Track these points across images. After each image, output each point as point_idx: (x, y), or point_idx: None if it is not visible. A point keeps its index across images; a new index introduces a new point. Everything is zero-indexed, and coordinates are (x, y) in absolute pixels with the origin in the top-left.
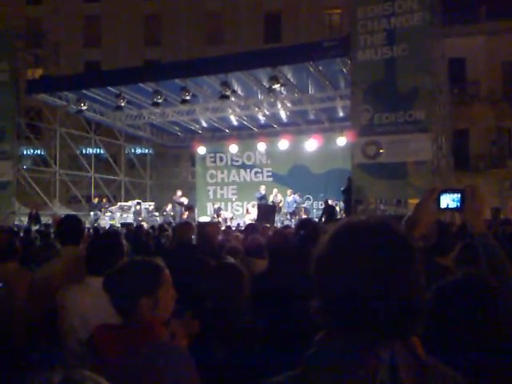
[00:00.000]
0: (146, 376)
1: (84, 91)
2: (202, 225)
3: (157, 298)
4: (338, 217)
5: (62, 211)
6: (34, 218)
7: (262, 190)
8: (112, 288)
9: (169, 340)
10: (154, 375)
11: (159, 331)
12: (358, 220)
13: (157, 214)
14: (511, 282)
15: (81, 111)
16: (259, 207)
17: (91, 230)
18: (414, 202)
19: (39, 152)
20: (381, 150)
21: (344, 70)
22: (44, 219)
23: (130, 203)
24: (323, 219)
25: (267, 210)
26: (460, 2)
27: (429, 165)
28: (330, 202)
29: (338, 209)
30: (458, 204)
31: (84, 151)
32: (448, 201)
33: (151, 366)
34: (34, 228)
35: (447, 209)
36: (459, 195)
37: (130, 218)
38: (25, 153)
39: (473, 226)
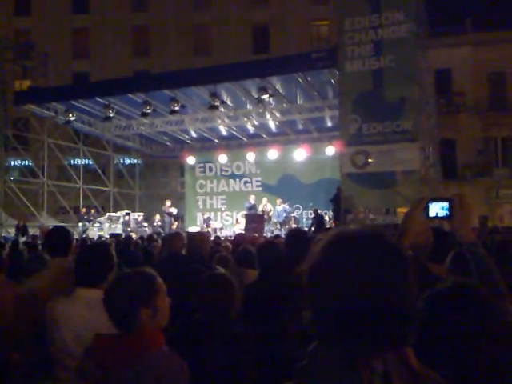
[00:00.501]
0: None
1: (72, 102)
2: (191, 235)
3: (155, 306)
4: (328, 226)
5: (50, 222)
6: (22, 230)
7: (252, 199)
8: (110, 303)
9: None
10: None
11: (160, 340)
12: (350, 230)
13: (146, 224)
14: (500, 291)
15: (69, 122)
16: (247, 217)
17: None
18: (402, 210)
19: (27, 163)
20: (369, 160)
21: (332, 80)
22: (32, 231)
23: (118, 214)
24: (313, 229)
25: (255, 220)
26: (446, 14)
27: (417, 174)
28: (319, 211)
29: (327, 218)
30: (447, 212)
31: (72, 162)
32: (437, 209)
33: (155, 374)
34: (22, 240)
35: (436, 217)
36: (447, 204)
37: (118, 228)
38: (12, 164)
39: (461, 234)
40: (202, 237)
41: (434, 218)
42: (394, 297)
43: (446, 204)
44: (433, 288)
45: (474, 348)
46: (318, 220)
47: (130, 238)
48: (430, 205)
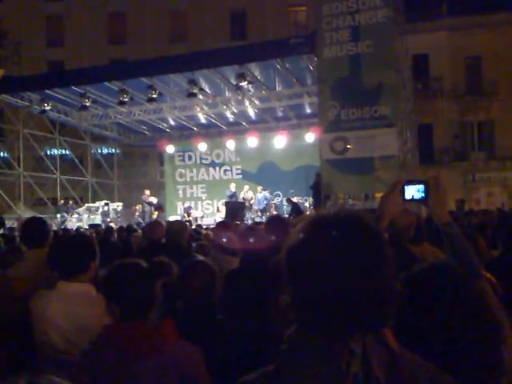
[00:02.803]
0: (177, 374)
1: (47, 91)
2: (169, 223)
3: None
4: (308, 212)
5: (27, 214)
6: None
7: (232, 187)
8: (130, 296)
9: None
10: (183, 373)
11: (175, 330)
12: (328, 213)
13: (125, 214)
14: (476, 270)
15: (44, 112)
16: (227, 205)
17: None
18: (381, 195)
19: (2, 154)
20: (348, 146)
21: (311, 66)
22: (9, 223)
23: (97, 204)
24: (293, 215)
25: (235, 208)
26: None
27: (395, 159)
28: (294, 199)
29: (307, 205)
30: (423, 195)
31: (49, 152)
32: (413, 192)
33: (178, 366)
34: None
35: (412, 200)
36: (423, 186)
37: (97, 219)
38: None
39: (437, 215)
40: (180, 225)
41: (410, 200)
42: (371, 279)
43: (421, 186)
44: (410, 270)
45: (450, 329)
46: (295, 207)
47: (111, 229)
48: (406, 187)
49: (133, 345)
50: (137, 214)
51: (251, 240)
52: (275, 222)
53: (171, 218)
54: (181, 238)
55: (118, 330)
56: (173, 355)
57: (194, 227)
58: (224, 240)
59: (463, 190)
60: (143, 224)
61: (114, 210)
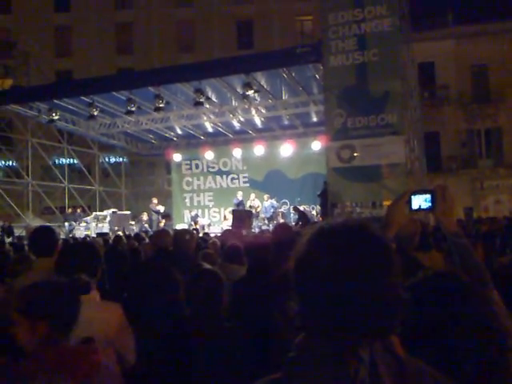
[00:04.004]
0: None
1: (55, 101)
2: (176, 232)
3: None
4: (315, 220)
5: (36, 223)
6: (7, 231)
7: (239, 195)
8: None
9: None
10: None
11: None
12: (334, 222)
13: (133, 222)
14: (484, 280)
15: (52, 121)
16: (234, 213)
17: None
18: (388, 203)
19: (11, 163)
20: (355, 154)
21: (317, 75)
22: (17, 231)
23: (105, 213)
24: (300, 223)
25: (242, 216)
26: (428, 8)
27: (402, 167)
28: (300, 207)
29: (314, 213)
30: (430, 204)
31: (57, 161)
32: (420, 201)
33: None
34: (7, 241)
35: (419, 210)
36: (430, 196)
37: (105, 227)
38: None
39: (444, 225)
40: (187, 234)
41: (417, 210)
42: (378, 287)
43: (428, 196)
44: (414, 278)
45: (456, 336)
46: (301, 215)
47: (120, 237)
48: (412, 197)
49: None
50: (143, 221)
51: (258, 248)
52: (282, 231)
53: (178, 227)
54: (188, 247)
55: (48, 353)
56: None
57: (201, 235)
58: (231, 248)
59: (471, 198)
60: (151, 232)
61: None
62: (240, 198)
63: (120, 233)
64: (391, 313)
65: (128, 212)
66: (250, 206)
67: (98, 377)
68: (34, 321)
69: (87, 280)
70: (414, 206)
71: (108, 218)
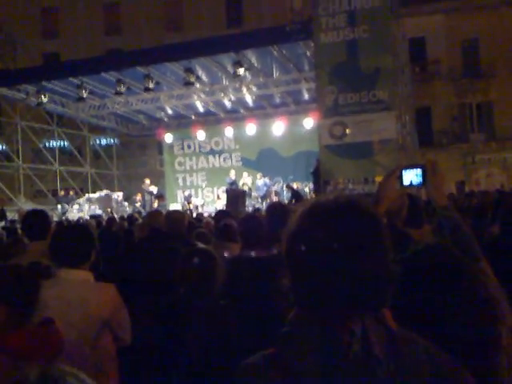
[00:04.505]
0: None
1: (44, 83)
2: (168, 212)
3: None
4: (308, 198)
5: (28, 206)
6: (0, 215)
7: (232, 175)
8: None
9: None
10: None
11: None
12: (327, 198)
13: (126, 204)
14: (475, 253)
15: (41, 104)
16: (227, 192)
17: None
18: (380, 179)
19: (1, 147)
20: (347, 130)
21: (308, 52)
22: (10, 215)
23: (97, 195)
24: (293, 201)
25: (236, 195)
26: None
27: (394, 143)
28: (293, 185)
29: (307, 190)
30: (421, 179)
31: (47, 144)
32: (411, 177)
33: None
34: (0, 224)
35: (411, 185)
36: (421, 170)
37: (98, 209)
38: None
39: (435, 199)
40: (178, 214)
41: (408, 186)
42: (370, 262)
43: (419, 171)
44: (406, 251)
45: (446, 307)
46: (294, 193)
47: (113, 218)
48: (404, 173)
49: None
50: (136, 203)
51: (252, 226)
52: (275, 209)
53: (172, 207)
54: (180, 227)
55: (10, 336)
56: None
57: (195, 215)
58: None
59: (463, 172)
60: (144, 213)
61: (115, 199)
62: (233, 178)
63: (114, 214)
64: (382, 286)
65: (116, 193)
66: (243, 185)
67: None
68: None
69: (47, 264)
70: (406, 181)
71: (95, 200)
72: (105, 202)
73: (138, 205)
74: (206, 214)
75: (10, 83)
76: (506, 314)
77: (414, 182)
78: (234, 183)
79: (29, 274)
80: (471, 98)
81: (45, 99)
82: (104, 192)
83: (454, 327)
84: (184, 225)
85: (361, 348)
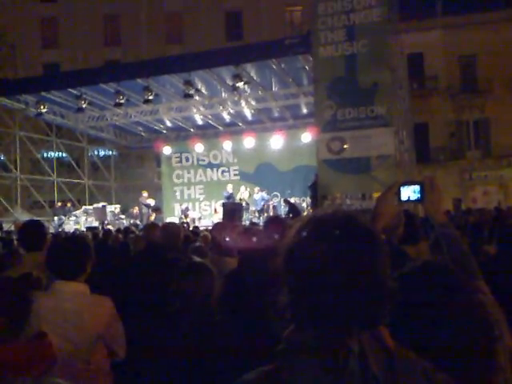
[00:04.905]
0: None
1: (43, 93)
2: (164, 225)
3: None
4: (305, 213)
5: (25, 217)
6: None
7: (229, 188)
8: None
9: None
10: None
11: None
12: (324, 213)
13: (123, 216)
14: (472, 270)
15: (40, 114)
16: (224, 206)
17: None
18: (378, 195)
19: None
20: (345, 146)
21: (306, 66)
22: (6, 226)
23: (94, 206)
24: (291, 215)
25: (233, 209)
26: None
27: (391, 159)
28: (291, 200)
29: (304, 205)
30: (419, 196)
31: (45, 155)
32: (409, 193)
33: None
34: None
35: (409, 201)
36: (419, 187)
37: (95, 221)
38: None
39: (433, 216)
40: (174, 227)
41: (406, 201)
42: (367, 278)
43: (417, 187)
44: (403, 268)
45: (442, 326)
46: (292, 208)
47: (109, 231)
48: (401, 189)
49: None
50: (121, 215)
51: (249, 241)
52: (274, 223)
53: (169, 220)
54: (176, 239)
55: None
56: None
57: (191, 229)
58: (222, 241)
59: (460, 189)
60: (141, 226)
61: (112, 212)
62: (230, 191)
63: (110, 226)
64: (380, 303)
65: (113, 205)
66: (240, 199)
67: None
68: None
69: (38, 276)
70: (403, 197)
71: (90, 213)
72: (99, 213)
73: (134, 217)
74: (202, 228)
75: (9, 93)
76: (503, 332)
77: (412, 198)
78: (230, 197)
79: (19, 286)
80: (468, 114)
81: (44, 109)
82: (100, 204)
83: (450, 345)
84: (180, 237)
85: (358, 365)
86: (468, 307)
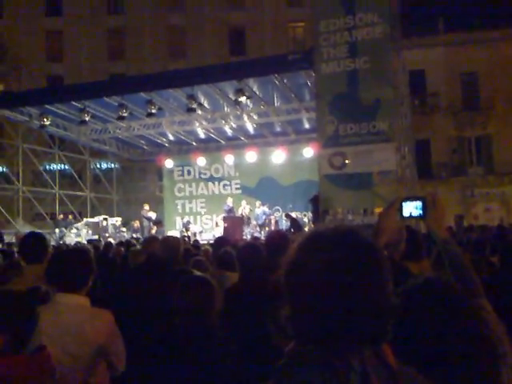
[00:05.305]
0: None
1: (47, 106)
2: (164, 239)
3: None
4: (306, 227)
5: (26, 229)
6: None
7: (229, 202)
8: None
9: None
10: None
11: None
12: (324, 229)
13: (124, 229)
14: (474, 287)
15: (44, 126)
16: (225, 220)
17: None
18: (379, 211)
19: (1, 169)
20: (347, 161)
21: (308, 82)
22: (7, 238)
23: (96, 219)
24: (292, 230)
25: (234, 223)
26: (419, 15)
27: (393, 174)
28: (292, 214)
29: (306, 220)
30: (421, 211)
31: (48, 167)
32: (411, 209)
33: None
34: None
35: (410, 217)
36: (421, 203)
37: (101, 234)
38: None
39: (435, 232)
40: (174, 241)
41: (408, 217)
42: (369, 294)
43: (419, 203)
44: (405, 285)
45: (445, 343)
46: (294, 222)
47: (110, 244)
48: (404, 204)
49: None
50: (133, 228)
51: (251, 255)
52: (275, 238)
53: (170, 233)
54: (176, 252)
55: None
56: None
57: (192, 242)
58: (223, 255)
59: (462, 206)
60: (142, 239)
61: (113, 224)
62: (230, 205)
63: (111, 240)
64: (382, 320)
65: (114, 218)
66: (242, 214)
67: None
68: None
69: (47, 290)
70: (405, 213)
71: (86, 226)
72: (95, 227)
73: (135, 230)
74: (203, 242)
75: (13, 105)
76: (506, 350)
77: (414, 214)
78: (231, 210)
79: (28, 300)
80: (470, 131)
81: (47, 122)
82: (96, 218)
83: (452, 363)
84: (179, 251)
85: (359, 382)
86: (471, 325)
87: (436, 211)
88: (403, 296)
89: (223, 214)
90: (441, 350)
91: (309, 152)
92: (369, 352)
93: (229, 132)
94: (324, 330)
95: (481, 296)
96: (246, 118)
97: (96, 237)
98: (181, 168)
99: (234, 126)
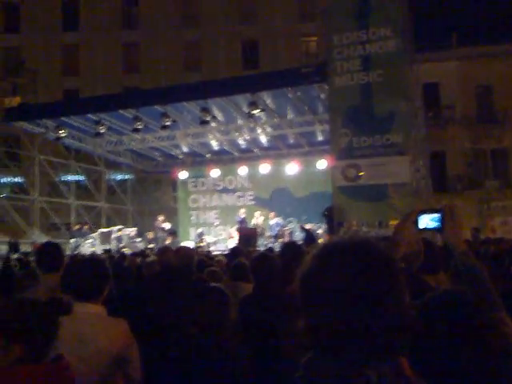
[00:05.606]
0: None
1: (63, 118)
2: (177, 249)
3: None
4: (321, 240)
5: (42, 239)
6: (13, 247)
7: (242, 213)
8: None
9: None
10: None
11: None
12: (340, 240)
13: (139, 239)
14: (493, 299)
15: (60, 138)
16: (240, 231)
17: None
18: (395, 223)
19: (18, 180)
20: (360, 173)
21: (322, 95)
22: (23, 247)
23: (110, 229)
24: (306, 242)
25: (248, 234)
26: (432, 29)
27: (408, 187)
28: (307, 226)
29: (320, 232)
30: (438, 223)
31: (64, 178)
32: (427, 221)
33: None
34: (14, 256)
35: (426, 229)
36: (438, 215)
37: (111, 244)
38: (3, 181)
39: (452, 244)
40: (187, 251)
41: (424, 229)
42: (386, 306)
43: (436, 215)
44: (423, 298)
45: (463, 356)
46: (308, 234)
47: (124, 255)
48: (420, 217)
49: None
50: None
51: (265, 266)
52: (290, 249)
53: (184, 244)
54: (190, 262)
55: (19, 373)
56: None
57: (206, 253)
58: (237, 265)
59: (478, 219)
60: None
61: (128, 235)
62: (242, 216)
63: (126, 250)
64: (399, 332)
65: (129, 229)
66: (255, 225)
67: None
68: (9, 341)
69: (69, 301)
70: (421, 225)
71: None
72: (104, 238)
73: (150, 241)
74: (217, 252)
75: (30, 117)
76: None
77: (429, 226)
78: (243, 221)
79: (49, 310)
80: (486, 144)
81: (63, 134)
82: (111, 229)
83: (471, 376)
84: (193, 260)
85: None
86: (490, 338)
87: (453, 223)
88: (421, 309)
89: (237, 226)
90: (458, 363)
91: (322, 164)
92: (386, 364)
93: (242, 144)
94: (340, 342)
95: (500, 309)
96: (259, 130)
97: (109, 246)
98: (195, 179)
99: (247, 138)
